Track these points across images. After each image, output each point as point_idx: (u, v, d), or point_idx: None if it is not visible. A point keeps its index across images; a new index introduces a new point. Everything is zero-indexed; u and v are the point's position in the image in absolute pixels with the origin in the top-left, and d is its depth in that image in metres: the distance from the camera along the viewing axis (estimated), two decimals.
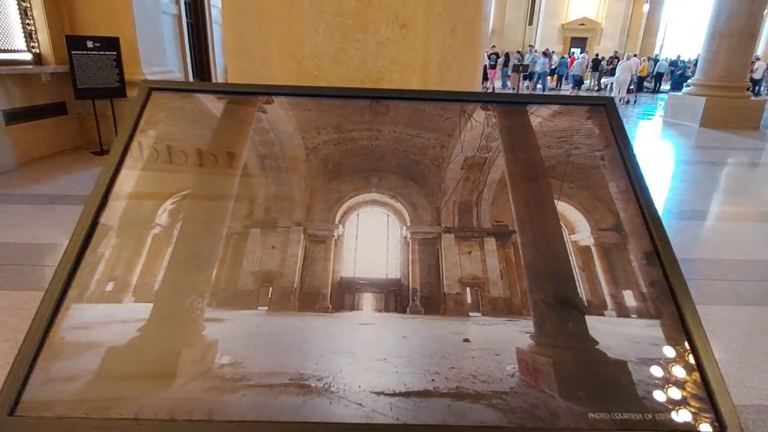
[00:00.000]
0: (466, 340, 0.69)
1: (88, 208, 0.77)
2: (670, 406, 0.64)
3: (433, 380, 0.65)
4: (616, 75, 17.13)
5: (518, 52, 19.41)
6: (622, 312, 0.73)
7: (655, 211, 0.81)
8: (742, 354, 2.34)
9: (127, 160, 0.85)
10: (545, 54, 18.24)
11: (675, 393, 0.65)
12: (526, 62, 15.41)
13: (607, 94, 18.01)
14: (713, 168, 6.70)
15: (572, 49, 26.42)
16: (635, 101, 16.34)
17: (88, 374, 0.64)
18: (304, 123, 0.95)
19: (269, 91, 0.98)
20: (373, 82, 1.47)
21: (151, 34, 6.25)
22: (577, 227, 0.81)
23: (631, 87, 17.29)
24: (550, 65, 20.14)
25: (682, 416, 0.63)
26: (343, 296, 0.73)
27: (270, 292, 0.73)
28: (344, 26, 1.42)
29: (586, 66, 18.85)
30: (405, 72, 1.50)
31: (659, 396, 0.65)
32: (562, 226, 0.81)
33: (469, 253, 0.78)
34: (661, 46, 29.78)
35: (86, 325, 0.68)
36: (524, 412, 0.63)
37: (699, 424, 0.62)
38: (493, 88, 17.52)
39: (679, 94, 11.06)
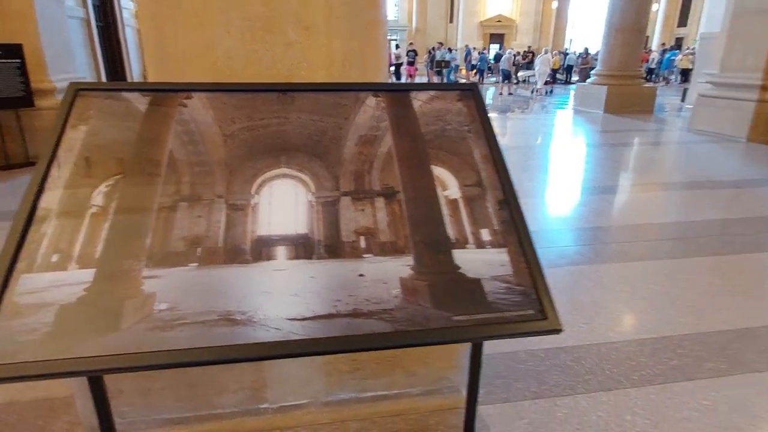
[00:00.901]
0: (361, 275, 0.88)
1: (27, 196, 0.87)
2: (511, 306, 0.87)
3: (335, 306, 0.84)
4: (536, 68, 18.34)
5: (433, 48, 20.16)
6: (480, 245, 0.95)
7: (506, 170, 1.04)
8: (627, 301, 2.75)
9: (60, 152, 0.96)
10: (450, 50, 19.23)
11: (514, 297, 0.88)
12: (438, 58, 16.19)
13: (528, 86, 19.21)
14: (613, 149, 7.46)
15: (489, 46, 27.64)
16: (551, 92, 17.47)
17: (45, 327, 0.76)
18: (220, 114, 1.10)
19: (189, 88, 1.12)
20: (283, 79, 1.63)
21: (58, 40, 5.94)
22: (449, 185, 1.03)
23: (548, 79, 18.60)
24: (469, 60, 21.04)
25: (518, 311, 0.86)
26: (261, 250, 0.90)
27: (198, 252, 0.88)
28: (253, 29, 1.57)
29: (512, 61, 19.93)
30: (311, 69, 1.68)
31: (504, 300, 0.88)
32: (437, 185, 1.03)
33: (363, 210, 0.97)
34: (571, 41, 31.94)
35: (37, 290, 0.79)
36: (406, 320, 0.83)
37: (529, 314, 0.86)
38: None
39: (586, 84, 12.07)
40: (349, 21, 1.71)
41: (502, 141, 8.41)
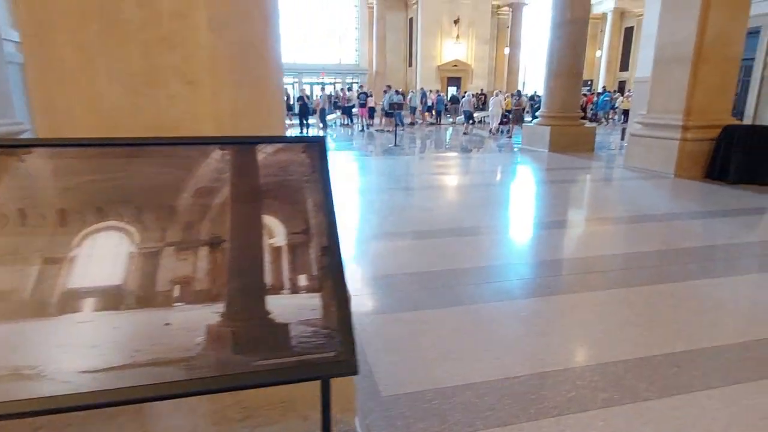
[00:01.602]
0: (168, 324, 0.91)
1: None
2: (313, 349, 0.91)
3: (133, 356, 0.86)
4: (490, 109, 19.26)
5: (384, 91, 20.71)
6: (295, 290, 1.00)
7: (332, 218, 1.11)
8: (539, 334, 2.83)
9: None
10: (397, 92, 19.93)
11: (319, 340, 0.92)
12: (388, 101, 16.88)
13: (485, 126, 20.03)
14: (552, 186, 7.80)
15: (447, 88, 28.77)
16: (508, 131, 18.18)
17: None
18: (63, 168, 1.13)
19: (31, 144, 1.15)
20: (168, 131, 1.68)
21: None
22: (276, 233, 1.09)
23: (504, 119, 19.52)
24: (425, 101, 21.86)
25: (319, 354, 0.90)
26: (67, 303, 0.91)
27: (1, 307, 0.88)
28: (136, 83, 1.63)
29: (473, 103, 20.77)
30: (197, 122, 1.74)
31: (307, 343, 0.92)
32: (265, 233, 1.08)
33: (185, 259, 1.01)
34: (524, 83, 33.60)
35: None
36: (204, 367, 0.86)
37: (328, 357, 0.90)
38: (362, 125, 18.63)
39: (531, 124, 12.69)
40: (237, 74, 1.79)
41: (457, 180, 8.65)
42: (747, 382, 2.33)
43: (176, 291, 0.96)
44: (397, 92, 19.98)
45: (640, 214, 5.71)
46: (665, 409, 2.14)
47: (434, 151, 13.48)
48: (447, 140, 16.31)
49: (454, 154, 12.72)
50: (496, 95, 19.12)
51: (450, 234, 4.86)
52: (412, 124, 21.87)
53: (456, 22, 29.46)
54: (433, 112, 22.29)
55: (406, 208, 6.20)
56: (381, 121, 18.72)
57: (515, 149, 12.88)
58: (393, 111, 16.17)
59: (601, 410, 2.12)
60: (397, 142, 13.50)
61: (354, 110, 19.40)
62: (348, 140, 15.86)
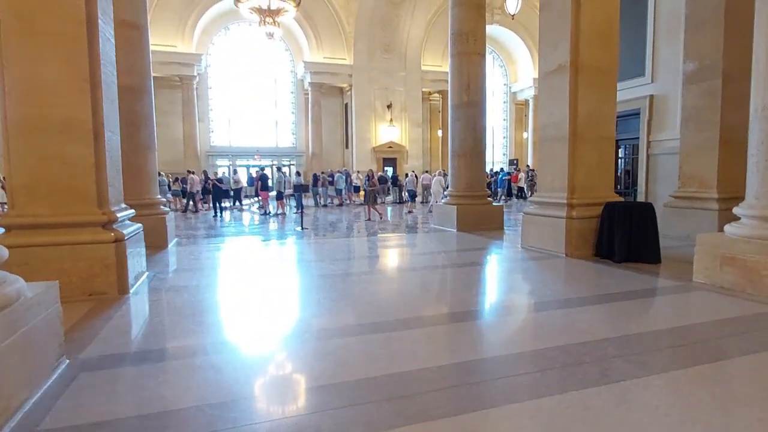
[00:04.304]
0: None
1: None
2: None
3: None
4: (432, 188, 19.36)
5: (297, 173, 20.79)
6: None
7: None
8: None
9: None
10: (298, 174, 20.10)
11: None
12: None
13: (423, 204, 19.90)
14: (453, 270, 7.22)
15: (384, 169, 29.14)
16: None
17: None
18: None
19: None
20: None
21: None
22: None
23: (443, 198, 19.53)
24: (350, 182, 21.73)
25: None
26: None
27: None
28: None
29: (415, 183, 20.90)
30: None
31: None
32: None
33: None
34: None
35: None
36: None
37: None
38: (267, 211, 18.07)
39: (441, 203, 12.46)
40: None
41: (345, 267, 7.91)
42: None
43: None
44: (298, 173, 19.98)
45: (526, 303, 5.13)
46: None
47: (338, 234, 12.82)
48: (359, 222, 15.87)
49: (357, 237, 12.15)
50: (439, 174, 19.41)
51: (331, 336, 4.01)
52: (340, 204, 21.58)
53: (389, 106, 30.69)
54: (361, 193, 22.16)
55: (265, 304, 5.33)
56: (277, 205, 18.22)
57: (426, 229, 12.52)
58: (294, 193, 15.88)
59: None
60: (303, 225, 12.85)
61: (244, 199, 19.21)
62: (245, 225, 15.14)
